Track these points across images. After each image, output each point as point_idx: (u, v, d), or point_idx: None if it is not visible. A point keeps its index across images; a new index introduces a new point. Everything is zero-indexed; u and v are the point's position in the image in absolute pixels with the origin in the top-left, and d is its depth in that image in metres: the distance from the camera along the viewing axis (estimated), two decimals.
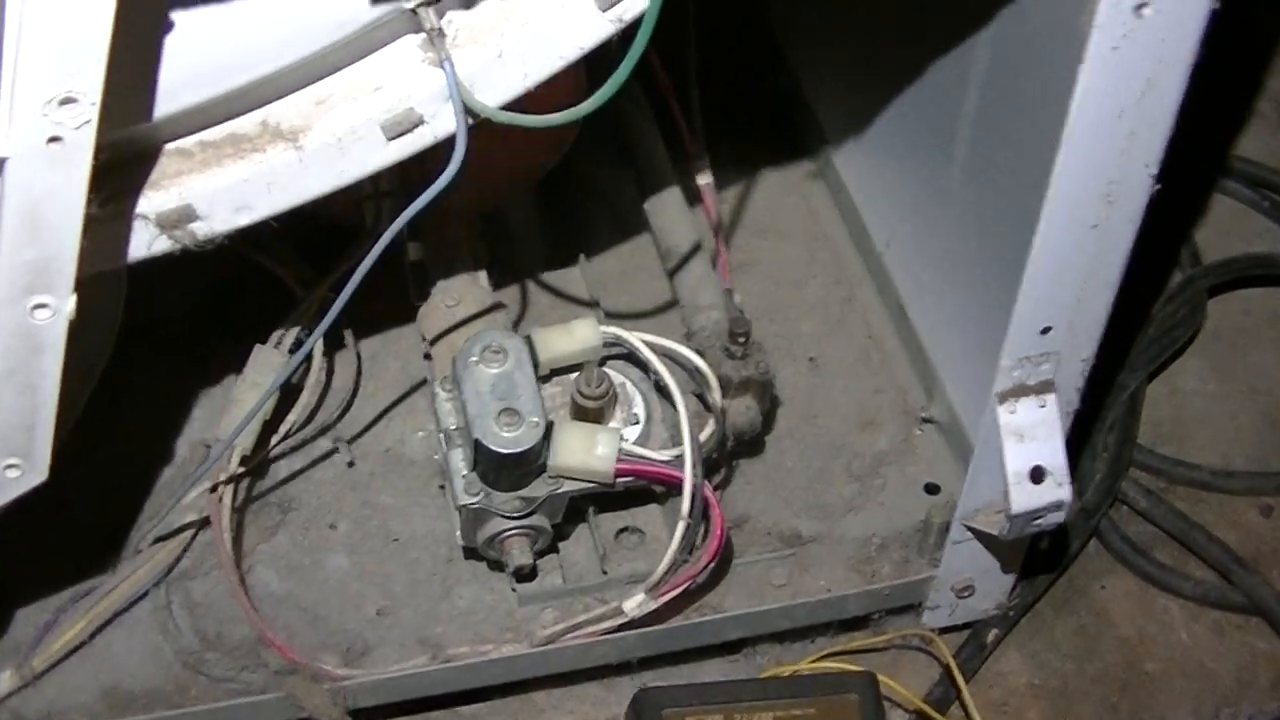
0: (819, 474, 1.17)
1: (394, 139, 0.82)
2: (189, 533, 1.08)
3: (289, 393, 1.10)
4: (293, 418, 1.12)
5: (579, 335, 1.04)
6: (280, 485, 1.14)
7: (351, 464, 1.15)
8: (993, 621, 1.14)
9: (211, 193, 0.81)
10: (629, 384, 1.07)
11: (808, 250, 1.30)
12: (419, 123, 0.81)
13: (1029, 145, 0.88)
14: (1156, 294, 1.33)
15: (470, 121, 0.80)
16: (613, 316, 1.20)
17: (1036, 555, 1.14)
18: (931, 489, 1.16)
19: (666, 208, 1.22)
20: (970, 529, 1.04)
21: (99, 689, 1.03)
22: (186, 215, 0.81)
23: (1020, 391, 0.96)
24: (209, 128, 0.81)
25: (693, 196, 1.24)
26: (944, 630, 1.14)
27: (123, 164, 0.79)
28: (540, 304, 1.23)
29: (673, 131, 1.22)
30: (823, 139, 1.33)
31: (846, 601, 1.09)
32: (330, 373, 1.16)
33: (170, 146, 0.81)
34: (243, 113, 0.80)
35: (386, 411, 1.18)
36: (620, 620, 1.04)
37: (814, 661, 1.12)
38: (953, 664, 1.10)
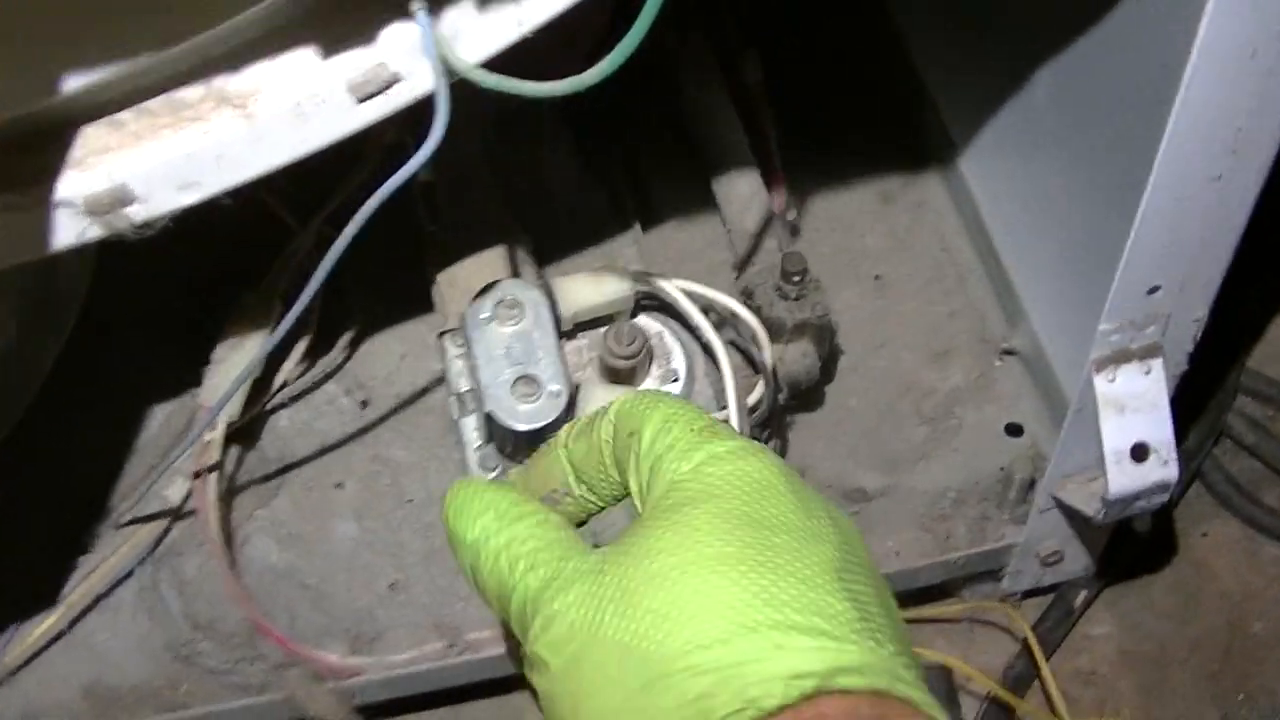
0: (885, 415, 1.03)
1: (364, 100, 0.67)
2: (175, 505, 0.96)
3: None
4: (290, 365, 1.00)
5: (607, 284, 0.90)
6: (280, 440, 1.02)
7: (365, 404, 1.03)
8: (1080, 582, 1.02)
9: (148, 170, 0.67)
10: (666, 334, 0.93)
11: (872, 151, 1.14)
12: (393, 81, 0.67)
13: (1141, 84, 0.72)
14: None
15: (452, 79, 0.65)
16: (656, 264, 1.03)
17: None
18: (1013, 430, 1.03)
19: (713, 115, 1.06)
20: (1058, 500, 0.91)
21: (80, 685, 0.93)
22: (120, 198, 0.67)
23: (1121, 358, 0.82)
24: (139, 100, 0.66)
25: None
26: (1027, 594, 1.02)
27: (28, 146, 0.65)
28: (574, 241, 1.06)
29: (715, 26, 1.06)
30: (893, 29, 1.16)
31: (917, 574, 0.97)
32: (332, 311, 1.03)
33: None
34: (181, 83, 0.66)
35: (398, 352, 1.05)
36: None
37: None
38: (1032, 639, 0.98)
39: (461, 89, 0.65)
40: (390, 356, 1.05)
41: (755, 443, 0.54)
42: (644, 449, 0.54)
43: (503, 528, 0.55)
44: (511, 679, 0.95)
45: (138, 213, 0.68)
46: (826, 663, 0.46)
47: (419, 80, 0.67)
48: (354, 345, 1.04)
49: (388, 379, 1.04)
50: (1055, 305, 0.97)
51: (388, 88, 0.67)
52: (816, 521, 0.51)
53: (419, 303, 1.04)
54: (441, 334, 0.94)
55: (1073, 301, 0.92)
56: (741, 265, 1.01)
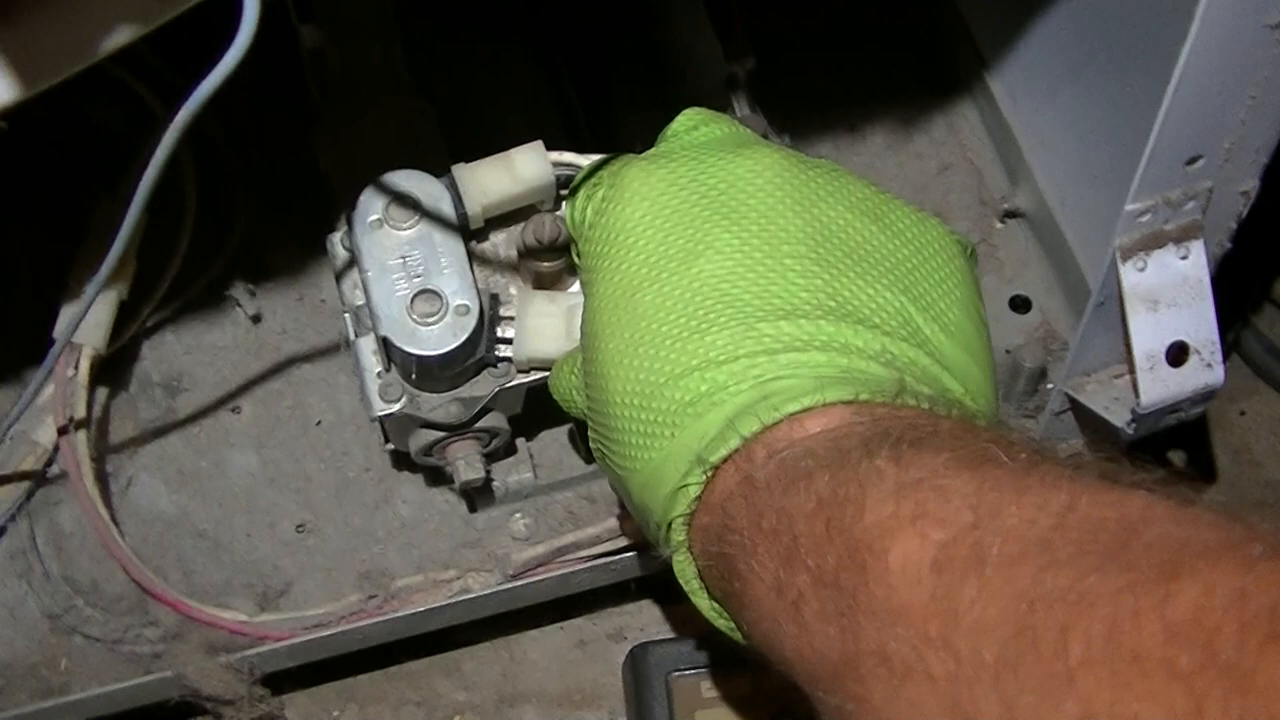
0: None
1: None
2: (46, 449, 0.82)
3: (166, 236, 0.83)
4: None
5: (520, 166, 0.74)
6: (165, 360, 0.87)
7: (257, 318, 0.88)
8: None
9: None
10: None
11: None
12: None
13: None
14: None
15: None
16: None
17: None
18: (1020, 304, 0.88)
19: None
20: (1076, 403, 0.76)
21: None
22: None
23: (1153, 241, 0.66)
24: None
25: None
26: None
27: None
28: (490, 124, 0.89)
29: None
30: None
31: None
32: (213, 207, 0.87)
33: None
34: None
35: (294, 248, 0.89)
36: (617, 544, 0.79)
37: None
38: None
39: None
40: (286, 253, 0.89)
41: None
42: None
43: None
44: (450, 631, 0.82)
45: None
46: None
47: None
48: (244, 243, 0.89)
49: (285, 280, 0.89)
50: (1066, 161, 0.82)
51: None
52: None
53: (316, 189, 0.88)
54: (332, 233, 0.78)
55: (1088, 158, 0.77)
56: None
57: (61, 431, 0.77)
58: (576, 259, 0.63)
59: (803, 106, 0.91)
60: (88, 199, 0.83)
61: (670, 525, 0.52)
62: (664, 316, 0.54)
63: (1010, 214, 0.88)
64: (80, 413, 0.78)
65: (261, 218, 0.89)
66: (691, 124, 0.63)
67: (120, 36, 0.53)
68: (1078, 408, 0.76)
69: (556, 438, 0.84)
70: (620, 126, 0.88)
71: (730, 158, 0.57)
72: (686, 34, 0.88)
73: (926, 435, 0.45)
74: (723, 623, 0.53)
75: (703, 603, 0.53)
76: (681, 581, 0.53)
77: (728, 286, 0.53)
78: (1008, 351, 0.86)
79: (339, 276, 0.77)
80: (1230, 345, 0.93)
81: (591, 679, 0.84)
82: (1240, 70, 0.59)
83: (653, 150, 0.62)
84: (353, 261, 0.75)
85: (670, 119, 0.86)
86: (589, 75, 0.91)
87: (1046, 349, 0.84)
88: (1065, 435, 0.81)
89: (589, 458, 0.81)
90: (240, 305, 0.87)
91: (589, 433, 0.60)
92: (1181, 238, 0.66)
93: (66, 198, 0.85)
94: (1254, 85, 0.59)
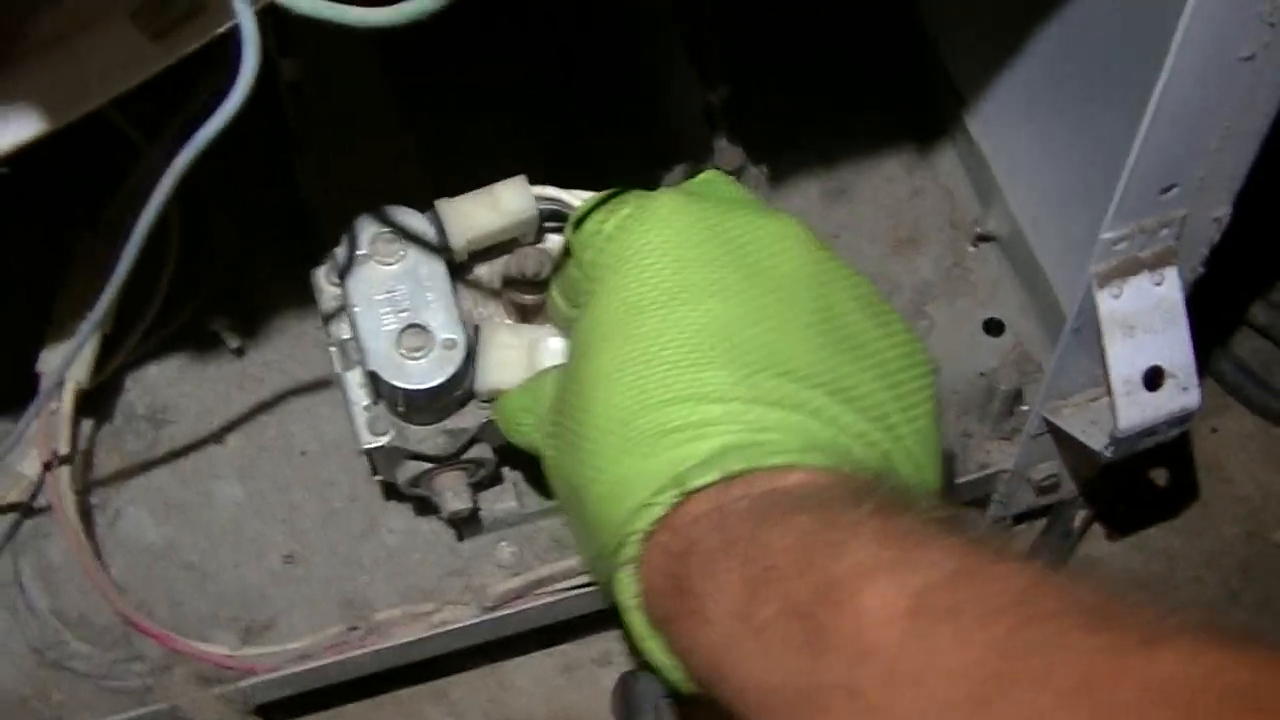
0: None
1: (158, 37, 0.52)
2: (32, 480, 0.82)
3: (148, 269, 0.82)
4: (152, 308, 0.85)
5: (504, 201, 0.75)
6: (149, 393, 0.87)
7: (240, 351, 0.88)
8: (1078, 501, 0.89)
9: None
10: None
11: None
12: (191, 11, 0.51)
13: None
14: None
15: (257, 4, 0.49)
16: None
17: None
18: (993, 327, 0.89)
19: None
20: (1054, 426, 0.77)
21: None
22: None
23: (1129, 269, 0.68)
24: None
25: None
26: (1018, 518, 0.89)
27: None
28: (470, 156, 0.90)
29: None
30: None
31: None
32: (195, 238, 0.87)
33: None
34: None
35: (277, 278, 0.89)
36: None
37: None
38: None
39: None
40: (268, 285, 0.90)
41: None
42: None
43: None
44: (437, 659, 0.83)
45: None
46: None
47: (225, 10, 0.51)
48: (225, 275, 0.89)
49: (268, 311, 0.90)
50: (1039, 186, 0.83)
51: (186, 20, 0.51)
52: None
53: (299, 219, 0.88)
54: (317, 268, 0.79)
55: (1061, 183, 0.78)
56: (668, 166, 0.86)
57: (46, 466, 0.78)
58: (575, 272, 0.65)
59: (776, 132, 0.91)
60: (64, 223, 0.84)
61: (624, 541, 0.54)
62: (665, 342, 0.56)
63: (983, 238, 0.89)
64: (64, 446, 0.78)
65: (243, 249, 0.89)
66: (717, 179, 0.65)
67: (122, 81, 0.53)
68: (1055, 431, 0.77)
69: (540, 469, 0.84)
70: (600, 157, 0.89)
71: (759, 217, 0.59)
72: (663, 63, 0.89)
73: (909, 501, 0.48)
74: (650, 644, 0.55)
75: (637, 620, 0.55)
76: (622, 597, 0.55)
77: (733, 331, 0.55)
78: (982, 374, 0.87)
79: (325, 311, 0.77)
80: (1202, 364, 0.94)
81: (578, 704, 0.85)
82: (1214, 101, 0.60)
83: (683, 186, 0.64)
84: (339, 296, 0.76)
85: (649, 148, 0.88)
86: (569, 107, 0.92)
87: (1021, 371, 0.85)
88: (1043, 458, 0.82)
89: None
90: (223, 337, 0.87)
91: (546, 439, 0.62)
92: (1156, 264, 0.67)
93: (42, 223, 0.86)
94: (1227, 115, 0.61)
